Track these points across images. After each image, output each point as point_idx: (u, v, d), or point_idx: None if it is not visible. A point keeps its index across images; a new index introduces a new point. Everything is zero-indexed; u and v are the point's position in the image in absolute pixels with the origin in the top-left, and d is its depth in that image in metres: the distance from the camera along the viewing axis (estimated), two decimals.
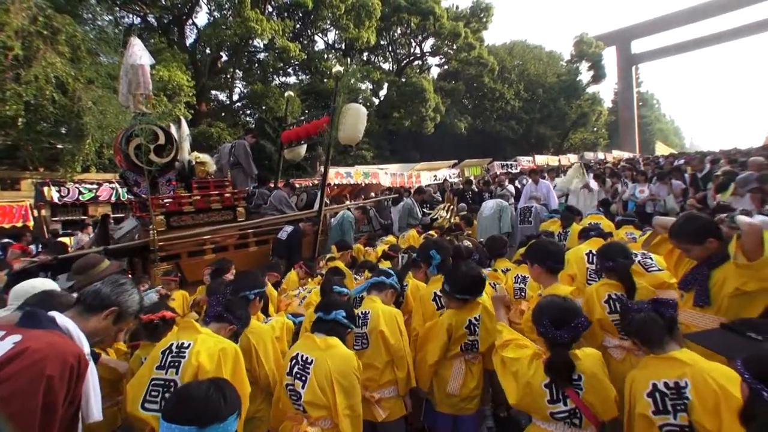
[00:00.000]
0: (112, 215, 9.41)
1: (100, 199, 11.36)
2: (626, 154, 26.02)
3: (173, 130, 4.90)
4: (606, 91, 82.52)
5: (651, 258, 2.78)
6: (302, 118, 6.62)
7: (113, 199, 11.48)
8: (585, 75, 34.08)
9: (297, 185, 9.87)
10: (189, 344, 1.80)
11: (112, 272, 2.10)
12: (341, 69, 5.15)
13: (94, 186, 11.34)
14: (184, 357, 1.76)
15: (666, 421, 1.50)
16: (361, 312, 2.41)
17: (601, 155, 24.03)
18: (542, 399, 1.67)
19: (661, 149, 31.58)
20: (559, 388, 1.66)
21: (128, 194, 5.88)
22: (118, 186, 11.28)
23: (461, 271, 2.38)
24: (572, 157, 21.50)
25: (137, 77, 4.29)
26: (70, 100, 10.13)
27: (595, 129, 36.29)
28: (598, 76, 34.00)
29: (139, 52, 4.28)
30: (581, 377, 1.64)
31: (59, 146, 11.55)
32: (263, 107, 19.10)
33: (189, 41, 19.16)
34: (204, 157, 5.35)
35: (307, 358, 1.91)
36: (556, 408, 1.65)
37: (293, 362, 1.94)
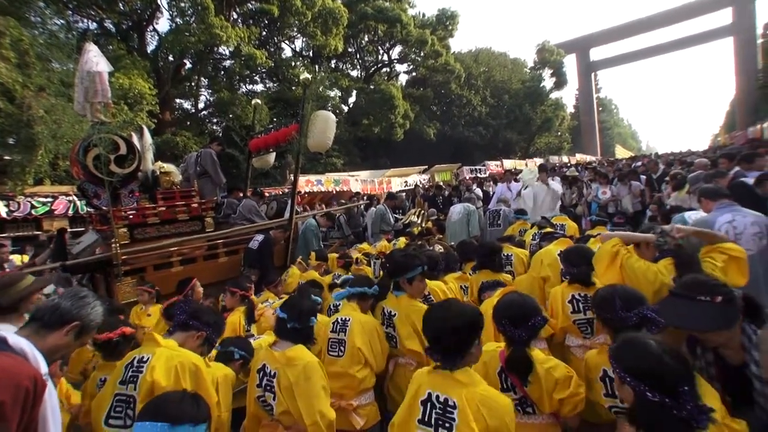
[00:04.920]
0: (69, 229, 8.92)
1: (55, 212, 10.73)
2: (588, 157, 27.25)
3: (135, 139, 4.76)
4: (568, 97, 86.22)
5: None
6: (270, 126, 6.57)
7: (70, 212, 10.88)
8: (548, 81, 35.50)
9: (267, 194, 9.73)
10: (147, 358, 1.74)
11: (37, 289, 1.99)
12: (309, 76, 5.14)
13: (49, 199, 10.70)
14: (141, 372, 1.70)
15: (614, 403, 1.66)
16: (341, 318, 2.38)
17: (565, 158, 25.00)
18: (497, 386, 1.74)
19: (621, 152, 33.20)
20: (509, 377, 1.72)
21: (87, 207, 5.62)
22: (75, 198, 10.70)
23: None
24: (538, 161, 22.28)
25: (94, 85, 4.14)
26: (18, 108, 9.55)
27: (559, 133, 37.80)
28: (560, 83, 35.50)
29: (95, 59, 4.13)
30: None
31: (6, 158, 10.86)
32: (230, 115, 18.73)
33: (150, 48, 18.59)
34: (169, 166, 5.22)
35: (270, 370, 1.89)
36: (507, 396, 1.70)
37: (261, 374, 1.92)
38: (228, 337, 2.53)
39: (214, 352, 2.24)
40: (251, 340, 2.57)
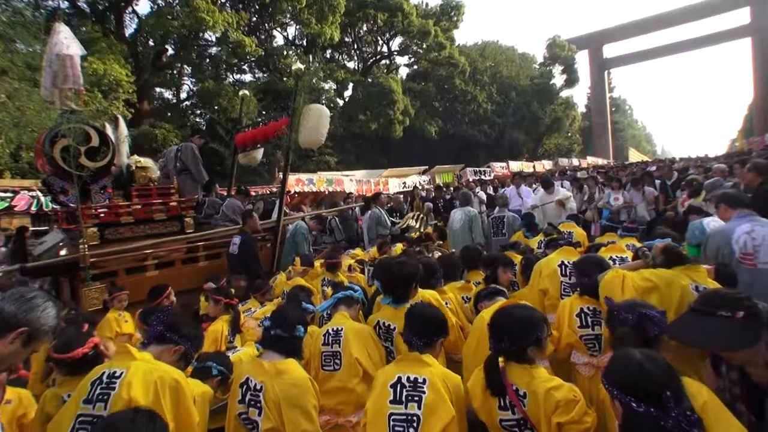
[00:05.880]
0: (31, 227, 8.78)
1: (16, 209, 10.54)
2: (600, 160, 27.46)
3: (109, 130, 4.71)
4: (579, 96, 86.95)
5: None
6: (259, 119, 6.56)
7: (33, 209, 10.69)
8: (558, 78, 35.90)
9: (253, 193, 9.67)
10: (121, 373, 1.68)
11: None
12: (302, 67, 5.14)
13: (9, 194, 10.51)
14: (114, 389, 1.65)
15: None
16: (332, 329, 2.36)
17: (575, 161, 25.18)
18: (494, 403, 1.73)
19: (634, 156, 33.51)
20: (506, 396, 1.72)
21: (52, 203, 5.54)
22: (39, 194, 10.53)
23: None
24: (547, 164, 22.42)
25: (64, 69, 4.09)
26: None
27: (569, 134, 38.14)
28: (571, 80, 35.85)
29: (66, 41, 4.08)
30: (525, 394, 1.69)
31: None
32: (215, 107, 18.68)
33: (129, 31, 18.50)
34: (146, 161, 5.17)
35: (256, 384, 1.88)
36: (505, 415, 1.71)
37: (243, 388, 1.90)
38: (205, 351, 2.49)
39: (189, 369, 2.19)
40: (229, 353, 2.54)
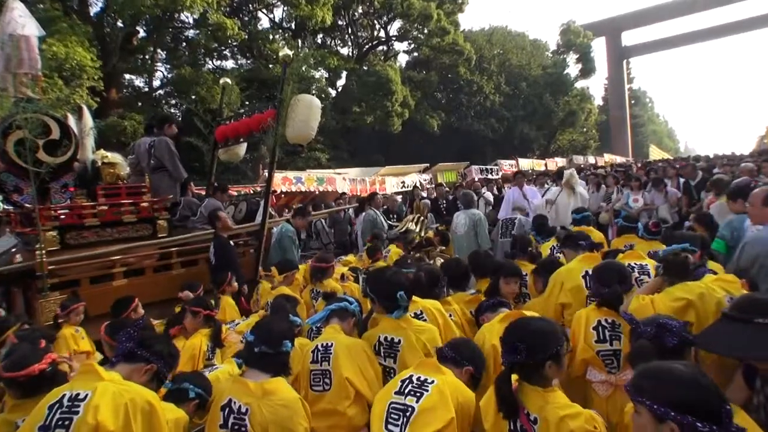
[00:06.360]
0: None
1: None
2: (618, 158, 27.64)
3: (71, 121, 4.69)
4: (596, 88, 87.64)
5: (649, 274, 2.92)
6: (242, 111, 6.51)
7: None
8: (573, 68, 36.20)
9: (234, 193, 9.61)
10: (85, 395, 1.67)
11: None
12: (290, 53, 5.12)
13: None
14: (77, 413, 1.63)
15: None
16: (322, 344, 2.35)
17: (591, 159, 25.35)
18: (505, 427, 1.72)
19: (655, 153, 33.84)
20: (517, 419, 1.71)
21: (4, 203, 5.48)
22: None
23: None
24: (560, 162, 22.51)
25: (19, 52, 4.08)
26: None
27: (585, 129, 38.38)
28: (587, 70, 36.15)
29: (21, 19, 4.07)
30: (537, 420, 1.67)
31: None
32: (192, 97, 18.61)
33: (94, 10, 18.36)
34: (114, 156, 5.12)
35: (240, 406, 1.88)
36: None
37: (226, 411, 1.90)
38: (181, 371, 2.47)
39: (163, 390, 2.18)
40: (206, 371, 2.52)
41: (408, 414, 1.79)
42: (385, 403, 1.87)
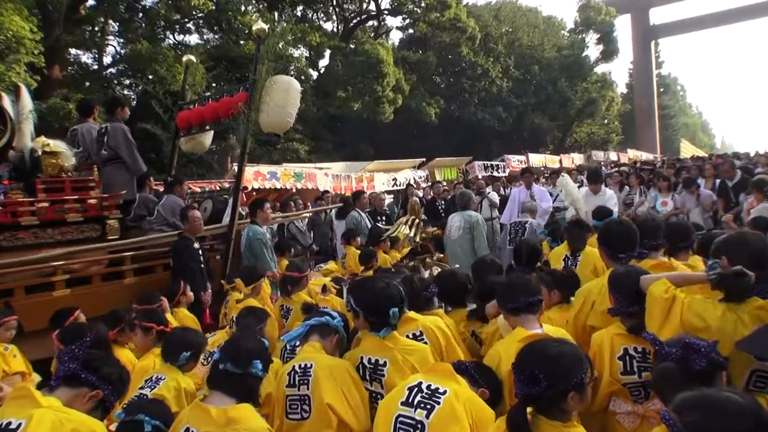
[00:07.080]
0: None
1: None
2: (644, 155, 27.87)
3: (7, 103, 4.71)
4: (619, 73, 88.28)
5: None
6: (208, 93, 6.53)
7: None
8: (593, 50, 36.49)
9: (198, 189, 9.60)
10: (18, 425, 1.67)
11: None
12: (265, 27, 5.16)
13: None
14: None
15: None
16: (300, 365, 2.36)
17: (613, 155, 25.52)
18: None
19: (687, 149, 34.06)
20: None
21: None
22: None
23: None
24: (577, 158, 22.64)
25: None
26: None
27: (606, 121, 38.71)
28: (609, 52, 36.42)
29: None
30: None
31: None
32: (150, 76, 18.52)
33: None
34: (57, 144, 5.08)
35: None
36: None
37: None
38: (137, 399, 2.47)
39: (113, 422, 2.18)
40: (147, 389, 2.55)
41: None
42: (390, 415, 1.87)
